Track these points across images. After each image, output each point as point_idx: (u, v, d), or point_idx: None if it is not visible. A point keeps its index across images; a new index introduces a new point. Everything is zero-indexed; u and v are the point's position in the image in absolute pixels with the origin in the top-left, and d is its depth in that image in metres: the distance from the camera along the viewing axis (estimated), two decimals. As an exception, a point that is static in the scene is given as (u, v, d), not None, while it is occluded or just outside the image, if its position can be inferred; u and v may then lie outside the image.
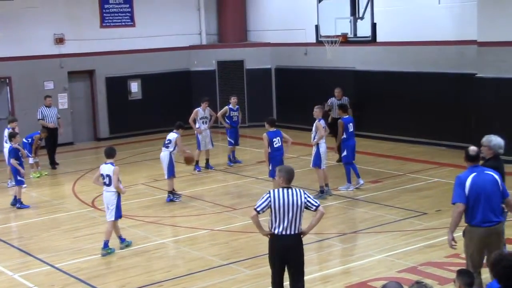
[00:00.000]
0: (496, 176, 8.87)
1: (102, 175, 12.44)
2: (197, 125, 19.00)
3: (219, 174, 18.74)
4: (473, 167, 8.91)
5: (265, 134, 15.02)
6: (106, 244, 12.42)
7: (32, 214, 15.67)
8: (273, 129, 15.13)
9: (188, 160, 16.52)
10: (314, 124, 15.79)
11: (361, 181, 16.38)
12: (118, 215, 12.49)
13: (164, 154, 15.95)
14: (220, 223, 14.21)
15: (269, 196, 8.77)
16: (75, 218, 15.07)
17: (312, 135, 15.84)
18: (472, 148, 9.00)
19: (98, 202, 16.20)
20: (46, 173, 19.58)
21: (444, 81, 20.17)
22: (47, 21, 23.40)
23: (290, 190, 8.80)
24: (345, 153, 16.28)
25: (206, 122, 19.19)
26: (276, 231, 8.80)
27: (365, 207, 15.02)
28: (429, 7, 20.68)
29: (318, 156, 15.73)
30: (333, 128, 17.82)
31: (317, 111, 15.90)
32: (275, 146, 14.97)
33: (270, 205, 8.74)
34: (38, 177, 19.19)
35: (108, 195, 12.42)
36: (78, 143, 24.43)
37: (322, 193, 15.70)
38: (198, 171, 18.95)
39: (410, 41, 21.17)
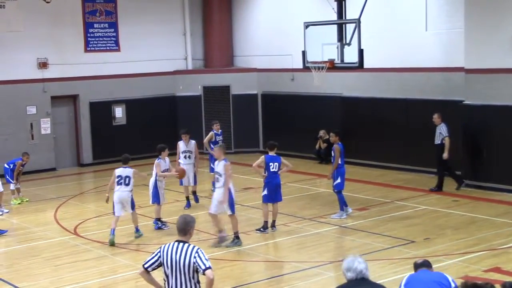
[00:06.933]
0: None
1: (120, 176, 14.59)
2: (179, 161, 17.69)
3: (204, 201, 18.42)
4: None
5: (263, 156, 14.96)
6: (137, 229, 15.04)
7: (12, 241, 15.34)
8: (273, 153, 15.00)
9: (181, 175, 16.50)
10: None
11: (345, 214, 16.16)
12: (134, 205, 14.97)
13: (150, 180, 15.76)
14: (205, 250, 13.81)
15: (159, 252, 7.49)
16: (57, 245, 14.76)
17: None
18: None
19: (80, 229, 15.92)
20: (28, 199, 19.22)
21: (431, 108, 20.03)
22: (30, 45, 23.14)
23: (181, 245, 7.41)
24: (338, 180, 15.98)
25: (189, 157, 17.74)
26: None
27: (353, 235, 14.79)
28: (416, 34, 20.65)
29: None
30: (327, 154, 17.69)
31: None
32: (271, 170, 14.84)
33: (162, 262, 7.44)
34: (19, 203, 18.84)
35: (125, 194, 14.61)
36: (60, 168, 24.08)
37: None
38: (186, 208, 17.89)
39: (397, 68, 21.11)
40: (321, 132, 23.08)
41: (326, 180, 16.65)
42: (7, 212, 17.82)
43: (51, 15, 23.51)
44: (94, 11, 24.56)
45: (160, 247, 7.53)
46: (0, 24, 22.52)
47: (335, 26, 18.35)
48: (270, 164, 14.82)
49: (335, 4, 18.77)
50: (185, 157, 17.61)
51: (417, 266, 7.56)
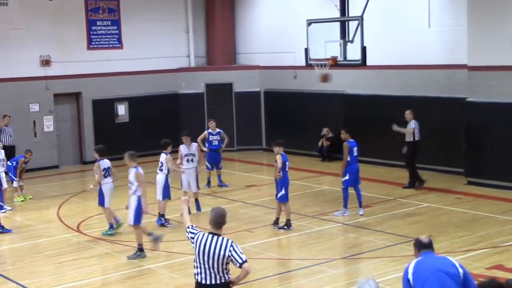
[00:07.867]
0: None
1: (104, 169, 15.04)
2: (181, 166, 16.79)
3: (207, 198, 18.44)
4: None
5: (280, 156, 14.85)
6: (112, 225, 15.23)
7: (15, 238, 15.36)
8: (283, 152, 15.00)
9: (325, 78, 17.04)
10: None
11: (361, 212, 16.10)
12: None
13: (159, 176, 15.79)
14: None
15: (193, 237, 7.88)
16: (60, 243, 14.77)
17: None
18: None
19: (83, 227, 15.95)
20: (30, 196, 19.25)
21: (434, 106, 20.06)
22: (33, 43, 23.16)
23: (215, 238, 7.70)
24: (346, 177, 16.00)
25: (191, 161, 16.91)
26: (197, 278, 7.84)
27: (355, 232, 14.79)
28: (419, 31, 20.63)
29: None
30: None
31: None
32: (286, 170, 14.90)
33: (193, 246, 7.84)
34: (22, 200, 18.86)
35: (112, 185, 15.31)
36: (63, 166, 24.10)
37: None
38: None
39: (400, 65, 21.08)
40: (325, 130, 23.07)
41: (329, 177, 16.62)
42: (10, 210, 17.84)
43: (54, 12, 23.52)
44: (97, 9, 24.58)
45: (198, 233, 7.82)
46: (2, 22, 22.54)
47: (338, 24, 18.33)
48: (286, 163, 14.90)
49: (337, 1, 18.76)
50: (187, 160, 16.78)
51: (422, 246, 7.22)
